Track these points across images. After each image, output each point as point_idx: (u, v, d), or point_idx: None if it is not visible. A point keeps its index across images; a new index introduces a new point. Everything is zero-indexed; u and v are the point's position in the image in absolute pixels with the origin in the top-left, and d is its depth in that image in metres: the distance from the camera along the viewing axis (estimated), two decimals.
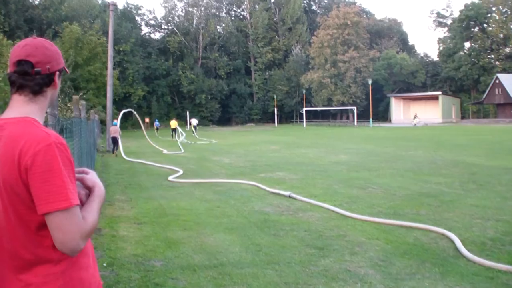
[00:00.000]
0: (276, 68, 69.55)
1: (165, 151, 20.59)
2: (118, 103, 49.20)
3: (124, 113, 25.49)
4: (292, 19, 69.33)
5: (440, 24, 70.27)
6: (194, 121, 38.46)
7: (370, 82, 53.23)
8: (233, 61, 68.57)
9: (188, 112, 53.38)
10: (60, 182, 1.27)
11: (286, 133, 37.91)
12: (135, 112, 25.29)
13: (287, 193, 8.51)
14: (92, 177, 1.50)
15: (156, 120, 46.10)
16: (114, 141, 19.60)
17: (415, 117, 51.18)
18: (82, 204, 1.40)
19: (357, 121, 55.85)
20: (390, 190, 8.96)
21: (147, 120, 50.28)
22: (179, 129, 30.17)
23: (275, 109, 63.66)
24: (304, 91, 61.78)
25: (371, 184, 9.78)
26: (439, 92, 57.16)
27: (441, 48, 66.17)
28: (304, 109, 59.52)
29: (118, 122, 20.74)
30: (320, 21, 63.96)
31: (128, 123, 51.41)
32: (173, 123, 31.65)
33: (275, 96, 65.21)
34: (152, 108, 60.60)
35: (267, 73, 70.02)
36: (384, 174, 11.39)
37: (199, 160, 16.48)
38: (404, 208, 7.31)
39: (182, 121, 51.93)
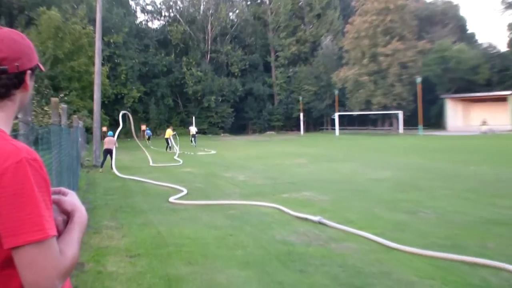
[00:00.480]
0: (301, 64, 69.73)
1: (151, 163, 21.83)
2: (108, 107, 49.90)
3: (117, 121, 25.98)
4: (322, 3, 69.43)
5: (510, 6, 69.55)
6: (193, 129, 39.46)
7: (419, 80, 52.80)
8: (249, 56, 69.04)
9: (194, 118, 53.69)
10: (32, 208, 1.25)
11: (315, 144, 37.91)
12: (127, 113, 25.63)
13: (316, 218, 8.50)
14: (71, 199, 1.49)
15: (148, 129, 47.10)
16: (106, 153, 19.79)
17: (483, 123, 50.45)
18: (59, 233, 1.38)
19: (403, 129, 55.48)
20: (447, 216, 8.86)
21: (143, 127, 50.75)
22: (171, 139, 30.98)
23: (301, 114, 63.67)
24: (336, 92, 61.58)
25: (422, 207, 9.70)
26: (509, 92, 56.32)
27: (511, 36, 65.41)
28: (337, 113, 59.28)
29: (116, 133, 21.22)
30: (356, 5, 63.89)
31: (121, 131, 51.96)
32: (168, 132, 32.22)
33: (300, 98, 65.25)
34: (150, 112, 61.12)
35: (290, 69, 70.24)
36: (438, 195, 11.29)
37: (207, 176, 16.57)
38: (466, 238, 7.20)
39: (186, 129, 52.24)
